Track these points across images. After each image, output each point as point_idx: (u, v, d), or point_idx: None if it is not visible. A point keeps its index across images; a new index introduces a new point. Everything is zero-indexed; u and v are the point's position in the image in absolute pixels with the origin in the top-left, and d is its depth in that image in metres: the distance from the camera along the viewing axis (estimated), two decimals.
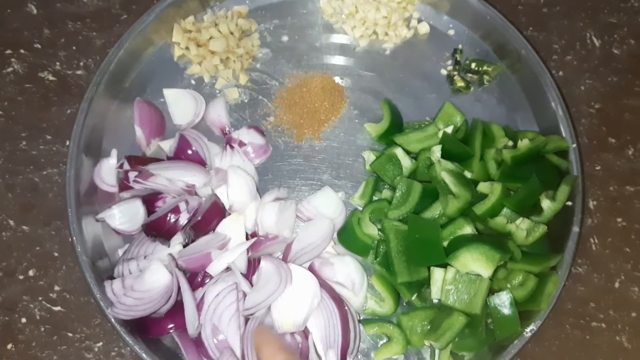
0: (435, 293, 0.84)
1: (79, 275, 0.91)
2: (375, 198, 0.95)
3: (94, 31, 1.06)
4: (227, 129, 0.99)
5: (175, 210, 0.86)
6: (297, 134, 1.01)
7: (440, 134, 0.94)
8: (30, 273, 0.92)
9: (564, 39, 1.09)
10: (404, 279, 0.84)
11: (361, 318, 0.90)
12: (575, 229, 0.89)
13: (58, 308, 0.91)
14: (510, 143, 0.93)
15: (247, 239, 0.90)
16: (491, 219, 0.85)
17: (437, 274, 0.84)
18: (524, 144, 0.89)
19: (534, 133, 0.95)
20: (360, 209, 0.96)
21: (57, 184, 0.97)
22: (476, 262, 0.80)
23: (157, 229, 0.86)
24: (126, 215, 0.91)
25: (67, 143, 0.99)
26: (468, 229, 0.84)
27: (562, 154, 0.94)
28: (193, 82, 1.03)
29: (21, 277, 0.92)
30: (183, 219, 0.86)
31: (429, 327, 0.86)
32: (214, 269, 0.84)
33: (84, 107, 0.93)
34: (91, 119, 0.94)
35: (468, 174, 0.90)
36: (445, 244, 0.85)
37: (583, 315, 0.93)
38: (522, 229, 0.85)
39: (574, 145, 0.93)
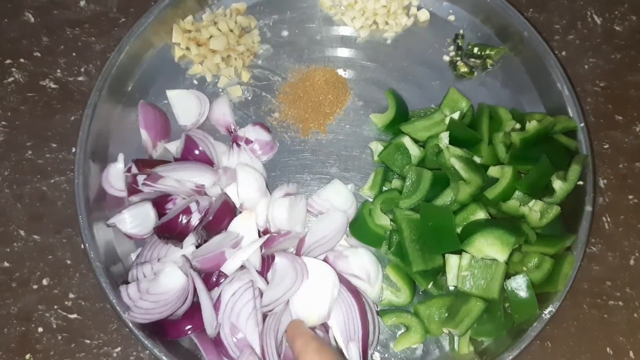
0: (451, 280, 0.84)
1: (93, 282, 0.91)
2: (385, 188, 0.95)
3: (93, 36, 1.06)
4: (233, 127, 0.98)
5: (187, 211, 0.85)
6: (303, 128, 1.00)
7: (447, 121, 0.93)
8: (44, 282, 0.92)
9: (564, 18, 1.09)
10: (419, 268, 0.84)
11: (378, 309, 0.90)
12: (588, 208, 0.89)
13: (74, 316, 0.91)
14: (518, 126, 0.92)
15: (259, 236, 0.89)
16: (504, 203, 0.85)
17: (452, 260, 0.83)
18: (532, 125, 0.89)
19: (541, 114, 0.94)
20: (371, 200, 0.95)
21: (66, 191, 0.96)
22: (491, 247, 0.79)
23: (170, 231, 0.85)
24: (137, 219, 0.90)
25: (73, 150, 0.98)
26: (481, 214, 0.84)
27: (570, 133, 0.93)
28: (195, 82, 1.02)
29: (35, 286, 0.92)
30: (195, 219, 0.85)
31: (446, 314, 0.86)
32: (228, 267, 0.84)
33: (88, 113, 0.92)
34: (96, 125, 0.93)
35: (477, 159, 0.90)
36: (458, 230, 0.85)
37: (600, 294, 0.93)
38: (535, 211, 0.84)
39: (582, 124, 0.93)
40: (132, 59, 0.99)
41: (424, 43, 1.05)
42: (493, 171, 0.88)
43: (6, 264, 0.93)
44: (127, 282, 0.88)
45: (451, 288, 0.87)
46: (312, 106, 1.00)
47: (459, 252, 0.84)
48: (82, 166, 0.90)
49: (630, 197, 0.98)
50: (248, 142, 0.96)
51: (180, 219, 0.85)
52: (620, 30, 1.08)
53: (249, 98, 1.02)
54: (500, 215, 0.87)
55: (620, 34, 1.07)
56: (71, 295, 0.91)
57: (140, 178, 0.90)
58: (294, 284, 0.81)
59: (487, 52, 1.02)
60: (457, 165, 0.87)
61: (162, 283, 0.83)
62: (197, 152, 0.93)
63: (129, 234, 0.91)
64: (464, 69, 1.02)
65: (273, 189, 0.95)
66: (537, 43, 0.98)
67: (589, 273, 0.94)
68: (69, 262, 0.93)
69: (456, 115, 0.93)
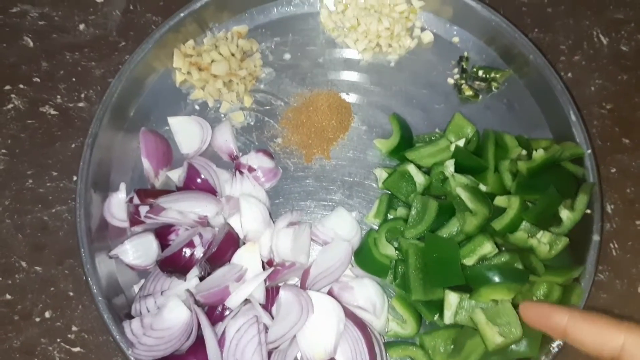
0: (448, 318, 0.82)
1: (95, 315, 0.90)
2: (390, 216, 0.94)
3: (93, 61, 1.04)
4: (235, 153, 0.97)
5: (190, 244, 0.84)
6: (306, 154, 0.99)
7: (452, 147, 0.92)
8: (47, 315, 0.91)
9: (570, 38, 1.07)
10: (419, 297, 0.83)
11: (385, 341, 0.89)
12: (596, 237, 0.88)
13: (77, 349, 0.90)
14: (524, 152, 0.91)
15: (263, 267, 0.88)
16: (512, 235, 0.84)
17: (452, 298, 0.82)
18: (538, 154, 0.88)
19: (547, 141, 0.93)
20: (376, 227, 0.94)
21: (67, 221, 0.95)
22: (496, 293, 0.79)
23: (173, 265, 0.84)
24: (139, 250, 0.89)
25: (74, 178, 0.97)
26: (488, 246, 0.83)
27: (577, 160, 0.92)
28: (197, 107, 1.01)
29: (37, 319, 0.91)
30: (198, 252, 0.84)
31: (452, 346, 0.85)
32: (232, 302, 0.83)
33: (89, 142, 0.91)
34: (97, 154, 0.92)
35: (483, 187, 0.89)
36: (466, 261, 0.84)
37: None
38: (544, 243, 0.83)
39: (589, 151, 0.92)
40: (132, 85, 0.98)
41: (428, 65, 1.04)
42: (500, 201, 0.86)
43: (8, 297, 0.92)
44: (130, 316, 0.87)
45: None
46: (315, 132, 0.99)
47: (461, 287, 0.83)
48: (83, 197, 0.89)
49: (638, 222, 0.97)
50: (251, 170, 0.94)
51: (183, 253, 0.84)
52: (626, 50, 1.06)
53: (252, 123, 1.01)
54: (508, 246, 0.86)
55: (626, 54, 1.06)
56: (74, 328, 0.91)
57: (143, 209, 0.89)
58: (300, 319, 0.80)
59: (492, 74, 1.01)
60: (463, 195, 0.86)
61: (166, 318, 0.82)
62: (199, 180, 0.92)
63: (132, 265, 0.90)
64: (468, 92, 1.01)
65: (276, 217, 0.94)
66: (542, 67, 0.96)
67: (596, 301, 0.93)
68: (71, 293, 0.92)
69: (461, 142, 0.92)
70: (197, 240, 0.84)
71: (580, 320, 0.62)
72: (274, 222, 0.92)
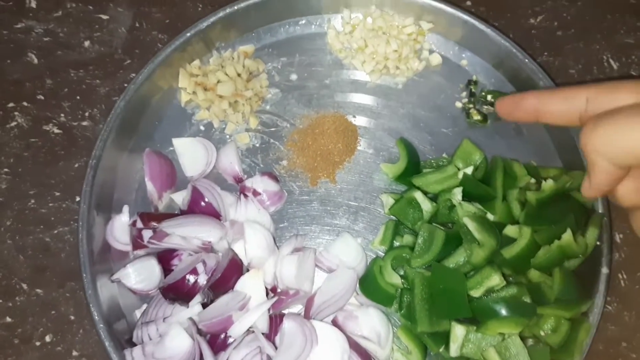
0: (454, 351, 0.81)
1: (96, 339, 0.89)
2: (396, 243, 0.93)
3: (97, 79, 1.03)
4: (240, 176, 0.96)
5: (193, 271, 0.83)
6: (312, 177, 0.98)
7: (460, 175, 0.91)
8: (47, 339, 0.90)
9: (580, 63, 1.06)
10: (424, 329, 0.82)
11: None
12: (605, 270, 0.86)
13: None
14: (533, 181, 0.90)
15: (266, 294, 0.87)
16: (524, 274, 0.83)
17: (459, 331, 0.81)
18: (548, 185, 0.86)
19: (556, 170, 0.92)
20: (381, 254, 0.93)
21: (69, 242, 0.94)
22: (504, 327, 0.78)
23: (176, 292, 0.83)
24: (141, 274, 0.88)
25: (77, 199, 0.96)
26: (496, 279, 0.81)
27: None
28: (202, 127, 1.00)
29: (38, 343, 0.90)
30: (202, 280, 0.83)
31: None
32: (235, 331, 0.82)
33: (92, 164, 0.90)
34: (100, 176, 0.91)
35: (491, 216, 0.88)
36: (473, 293, 0.82)
37: (615, 356, 0.91)
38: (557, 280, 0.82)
39: None
40: (137, 104, 0.96)
41: (436, 88, 1.03)
42: (510, 231, 0.85)
43: (9, 320, 0.91)
44: (131, 341, 0.86)
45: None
46: (321, 155, 0.98)
47: (467, 319, 0.82)
48: (86, 221, 0.88)
49: None
50: (256, 193, 0.93)
51: (187, 281, 0.83)
52: (637, 75, 1.05)
53: (257, 145, 1.00)
54: (517, 279, 0.85)
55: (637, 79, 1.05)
56: (75, 353, 0.89)
57: (146, 234, 0.88)
58: (304, 351, 0.79)
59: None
60: (471, 225, 0.84)
61: (167, 346, 0.81)
62: (203, 203, 0.91)
63: (134, 289, 0.89)
64: (477, 117, 1.00)
65: (280, 241, 0.93)
66: None
67: (604, 333, 0.91)
68: (72, 317, 0.91)
69: (469, 170, 0.90)
70: (200, 267, 0.83)
71: (547, 95, 0.70)
72: (278, 247, 0.91)
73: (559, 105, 0.69)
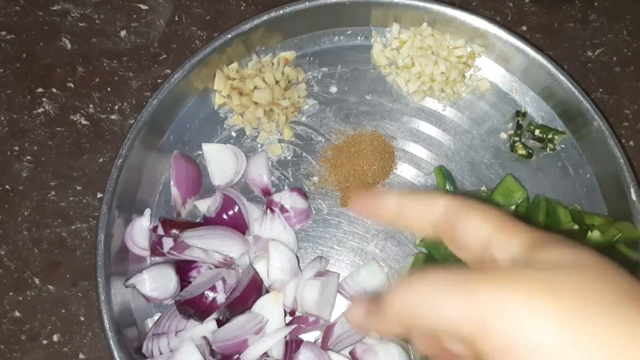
0: None
1: (104, 344, 0.86)
2: None
3: (130, 71, 1.00)
4: (269, 188, 0.92)
5: (212, 288, 0.80)
6: (342, 197, 0.94)
7: None
8: (55, 338, 0.87)
9: (636, 103, 1.00)
10: None
11: None
12: None
13: None
14: (576, 227, 0.85)
15: (284, 315, 0.84)
16: None
17: None
18: (594, 236, 0.81)
19: (603, 219, 0.87)
20: None
21: (86, 240, 0.91)
22: None
23: (193, 308, 0.80)
24: (158, 282, 0.85)
25: (99, 195, 0.93)
26: None
27: (632, 242, 0.86)
28: (234, 133, 0.96)
29: (45, 341, 0.87)
30: (220, 298, 0.80)
31: None
32: (249, 356, 0.79)
33: (118, 164, 0.86)
34: (125, 175, 0.87)
35: None
36: None
37: None
38: None
39: None
40: (170, 103, 0.92)
41: (481, 116, 0.98)
42: None
43: (17, 314, 0.88)
44: (139, 351, 0.83)
45: None
46: (354, 175, 0.93)
47: None
48: (106, 222, 0.84)
49: None
50: (284, 210, 0.89)
51: (204, 298, 0.79)
52: None
53: (289, 157, 0.95)
54: None
55: None
56: (81, 356, 0.87)
57: (166, 242, 0.84)
58: None
59: (550, 135, 0.94)
60: None
61: None
62: (232, 212, 0.87)
63: (148, 297, 0.86)
64: (522, 151, 0.95)
65: (303, 260, 0.89)
66: (605, 134, 0.89)
67: None
68: (82, 318, 0.88)
69: (510, 209, 0.86)
70: (219, 285, 0.80)
71: (407, 198, 0.57)
72: (300, 268, 0.87)
73: (417, 209, 0.57)
